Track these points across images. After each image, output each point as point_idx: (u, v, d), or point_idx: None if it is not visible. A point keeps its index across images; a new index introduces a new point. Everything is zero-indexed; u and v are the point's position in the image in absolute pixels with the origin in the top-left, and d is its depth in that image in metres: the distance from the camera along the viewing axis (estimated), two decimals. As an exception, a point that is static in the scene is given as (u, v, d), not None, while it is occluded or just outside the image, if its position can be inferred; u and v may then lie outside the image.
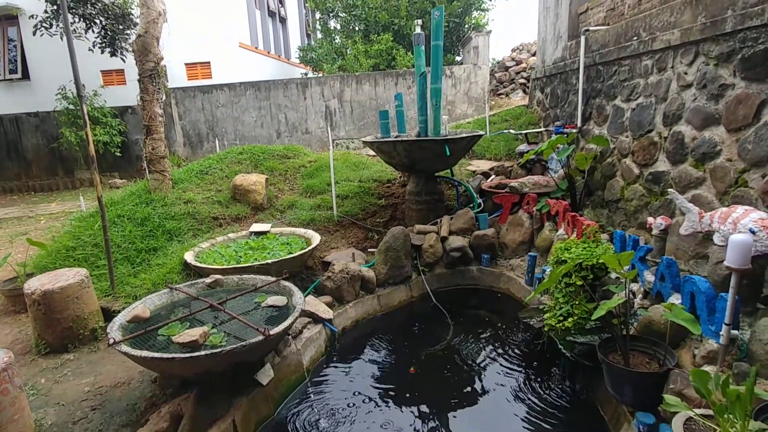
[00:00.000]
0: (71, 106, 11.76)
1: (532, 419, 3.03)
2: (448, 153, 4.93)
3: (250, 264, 4.08)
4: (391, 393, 3.38)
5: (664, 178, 4.03)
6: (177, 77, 13.14)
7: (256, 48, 15.16)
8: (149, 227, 5.17)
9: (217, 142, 11.75)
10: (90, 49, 10.41)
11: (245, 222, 5.64)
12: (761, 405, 2.14)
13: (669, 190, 3.26)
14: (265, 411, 3.11)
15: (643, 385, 2.66)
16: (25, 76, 13.21)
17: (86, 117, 4.13)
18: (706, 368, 2.46)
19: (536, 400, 3.21)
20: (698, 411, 2.09)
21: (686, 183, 3.72)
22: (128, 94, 11.98)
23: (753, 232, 2.62)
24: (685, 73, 3.77)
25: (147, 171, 5.76)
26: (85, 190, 11.68)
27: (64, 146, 12.18)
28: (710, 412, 2.11)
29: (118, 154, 12.43)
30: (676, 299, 2.92)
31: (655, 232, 3.59)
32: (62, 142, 12.03)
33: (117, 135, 12.36)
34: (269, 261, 4.07)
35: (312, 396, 3.39)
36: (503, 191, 5.55)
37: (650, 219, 3.69)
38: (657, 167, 4.13)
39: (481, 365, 3.70)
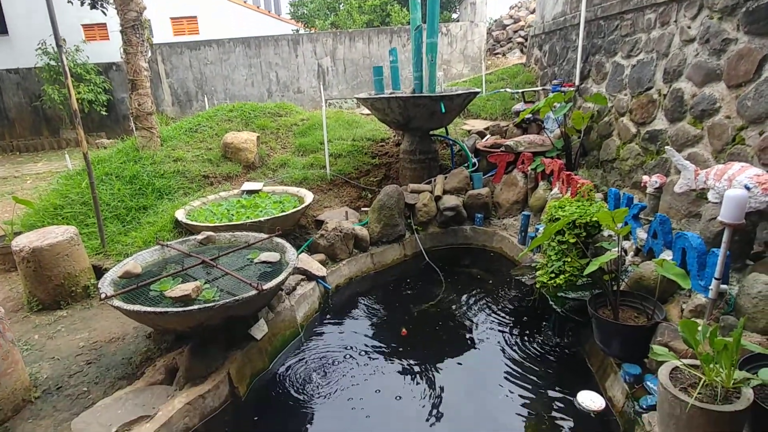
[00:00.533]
0: (52, 62, 11.32)
1: (522, 371, 3.11)
2: (443, 110, 4.82)
3: (242, 222, 4.04)
4: (384, 348, 3.43)
5: (661, 137, 3.98)
6: (163, 33, 12.65)
7: (245, 2, 14.56)
8: (138, 185, 5.08)
9: (206, 101, 11.44)
10: (69, 1, 9.90)
11: (237, 181, 5.56)
12: (746, 356, 2.20)
13: (666, 147, 3.23)
14: (259, 365, 3.16)
15: (631, 338, 2.71)
16: (3, 30, 12.64)
17: (66, 66, 3.96)
18: (694, 321, 2.50)
19: (526, 354, 3.29)
20: (685, 361, 2.14)
21: (683, 141, 3.69)
22: (112, 50, 11.54)
23: (748, 188, 2.61)
24: (689, 27, 3.66)
25: (134, 128, 5.61)
26: (71, 150, 11.42)
27: (47, 104, 11.82)
28: (696, 362, 2.16)
29: (104, 113, 12.10)
30: (667, 255, 2.94)
31: (649, 190, 3.58)
32: (45, 100, 11.66)
33: (102, 93, 11.98)
34: (262, 219, 4.03)
35: (306, 351, 3.44)
36: (498, 150, 5.49)
37: (645, 177, 3.67)
38: (654, 125, 4.08)
39: (473, 321, 3.76)
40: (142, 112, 5.40)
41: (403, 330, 3.64)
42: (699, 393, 1.97)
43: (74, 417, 2.57)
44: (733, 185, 2.70)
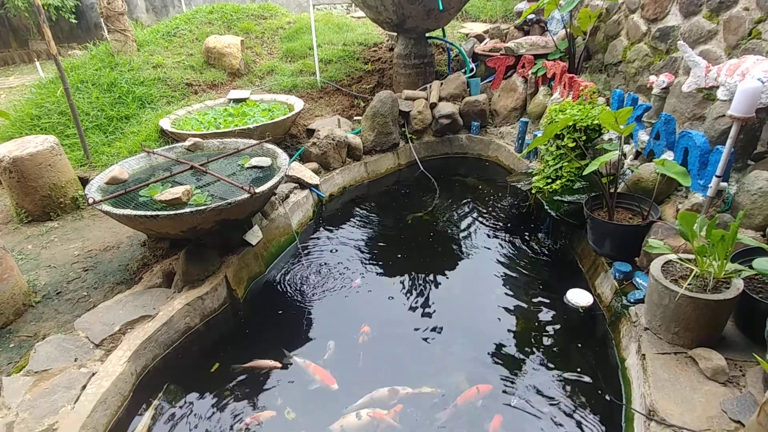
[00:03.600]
0: (10, -38, 10.21)
1: (514, 273, 3.17)
2: (441, 7, 4.46)
3: (230, 129, 3.88)
4: (378, 255, 3.47)
5: (672, 34, 3.74)
6: (128, -75, 11.30)
7: None
8: (118, 94, 4.80)
9: (183, 6, 10.56)
10: None
11: (222, 89, 5.27)
12: (737, 251, 2.22)
13: (678, 42, 3.03)
14: (256, 269, 3.19)
15: (625, 238, 2.73)
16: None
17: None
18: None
19: (519, 257, 3.34)
20: (678, 255, 2.16)
21: (696, 37, 3.47)
22: (74, -54, 10.38)
23: (762, 83, 2.48)
24: None
25: (106, 30, 5.18)
26: (43, 63, 10.72)
27: (12, 12, 10.87)
28: (689, 256, 2.18)
29: (73, 20, 11.20)
30: (668, 157, 2.88)
31: (655, 90, 3.41)
32: (9, 7, 10.70)
33: (68, -2, 10.99)
34: (251, 126, 3.87)
35: (301, 256, 3.46)
36: (498, 54, 5.19)
37: (652, 77, 3.49)
38: (667, 22, 3.81)
39: (467, 228, 3.78)
40: (113, 12, 4.95)
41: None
42: (689, 284, 2.01)
43: (77, 318, 2.62)
44: (746, 79, 2.56)
